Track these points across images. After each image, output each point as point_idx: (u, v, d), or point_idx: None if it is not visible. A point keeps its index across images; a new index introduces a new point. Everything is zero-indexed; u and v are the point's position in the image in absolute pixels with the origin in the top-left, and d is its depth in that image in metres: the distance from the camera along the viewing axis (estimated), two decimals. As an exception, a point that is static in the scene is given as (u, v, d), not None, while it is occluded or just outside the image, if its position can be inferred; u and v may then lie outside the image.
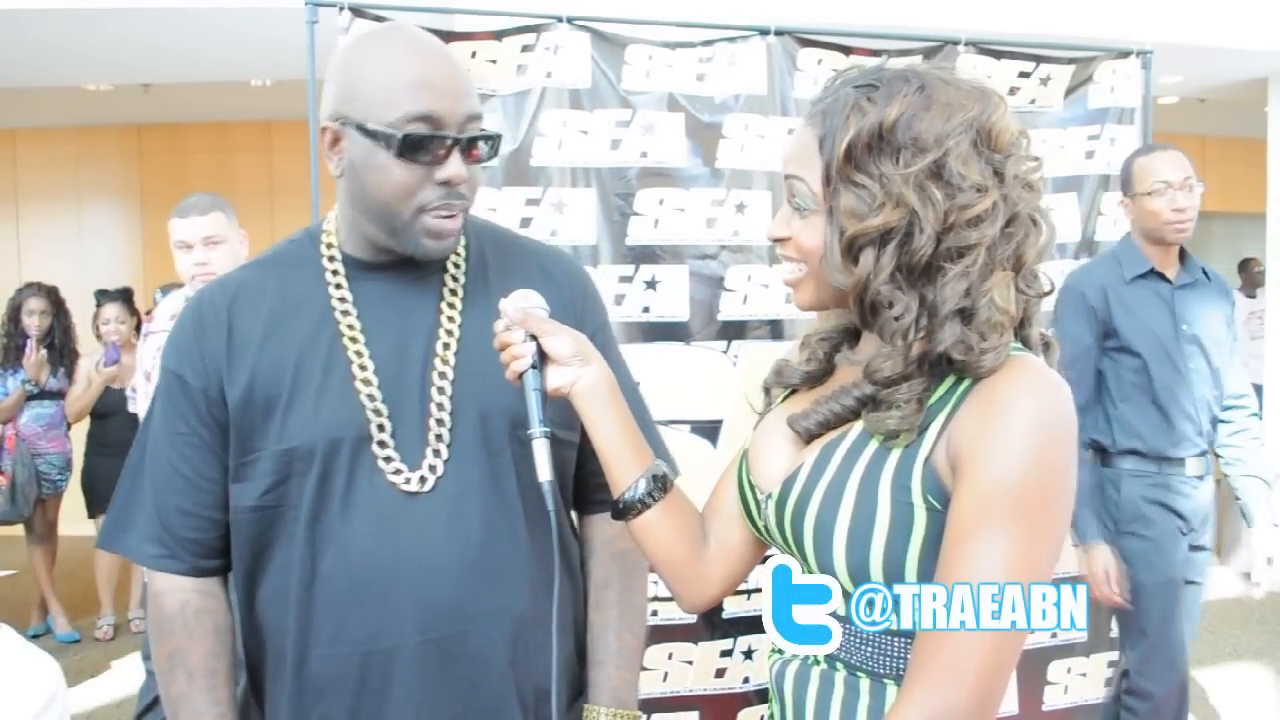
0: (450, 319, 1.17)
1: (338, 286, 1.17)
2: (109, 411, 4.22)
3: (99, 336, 4.25)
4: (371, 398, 1.13)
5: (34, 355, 4.22)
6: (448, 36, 2.54)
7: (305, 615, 1.13)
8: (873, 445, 0.90)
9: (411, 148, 1.07)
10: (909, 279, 0.89)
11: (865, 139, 0.88)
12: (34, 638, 4.31)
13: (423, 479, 1.12)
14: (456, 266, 1.21)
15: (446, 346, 1.16)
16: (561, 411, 1.09)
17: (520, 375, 1.05)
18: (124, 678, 3.83)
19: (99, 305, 4.28)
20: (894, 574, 0.88)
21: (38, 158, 6.33)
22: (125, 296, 4.31)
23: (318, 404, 1.12)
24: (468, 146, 1.11)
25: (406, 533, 1.12)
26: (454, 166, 1.09)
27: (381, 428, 1.12)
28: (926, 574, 0.87)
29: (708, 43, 2.68)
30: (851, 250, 0.89)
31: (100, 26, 3.85)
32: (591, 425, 1.06)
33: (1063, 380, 0.88)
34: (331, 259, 1.19)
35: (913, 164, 0.87)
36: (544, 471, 1.04)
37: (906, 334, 0.88)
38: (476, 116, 1.12)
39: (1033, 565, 0.83)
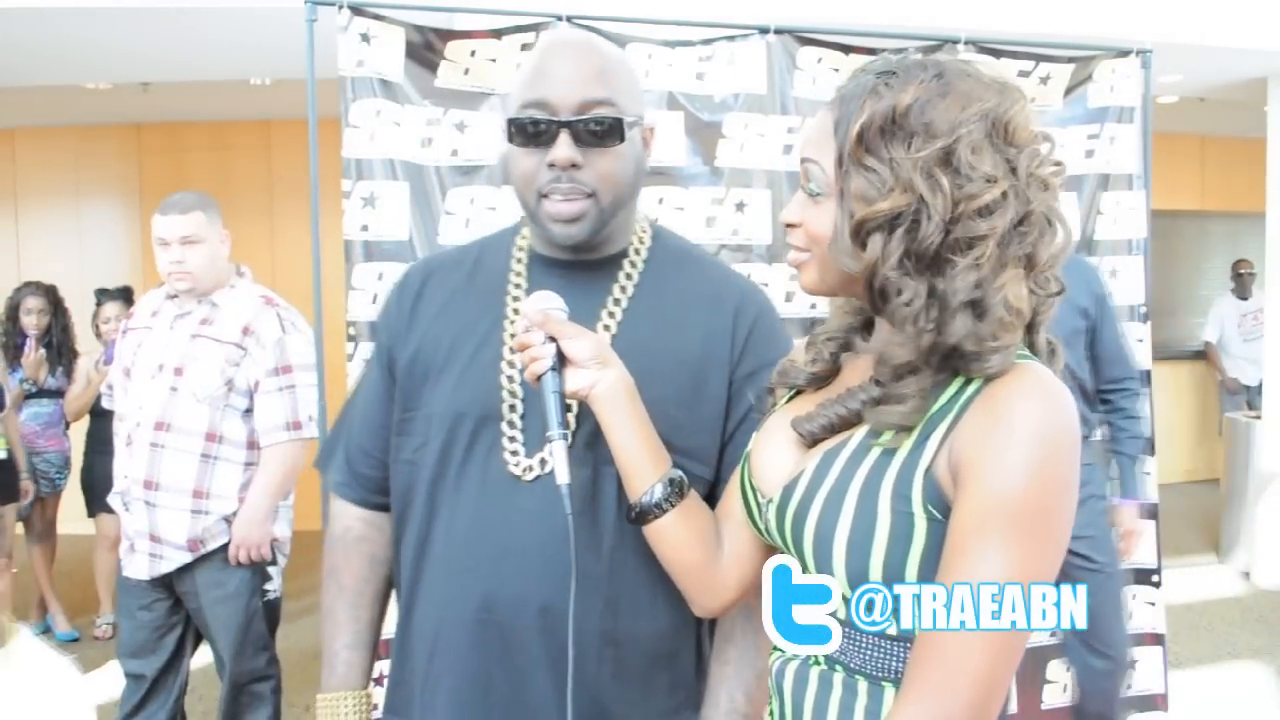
0: (607, 326, 1.19)
1: (517, 274, 1.23)
2: (108, 410, 4.21)
3: (98, 335, 4.24)
4: (511, 379, 1.17)
5: (32, 354, 4.22)
6: (447, 35, 2.54)
7: (416, 574, 1.22)
8: (874, 453, 0.89)
9: (519, 133, 1.13)
10: (918, 267, 0.88)
11: (878, 123, 0.88)
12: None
13: (529, 468, 1.15)
14: (628, 278, 1.22)
15: None
16: (703, 448, 1.14)
17: (539, 377, 1.06)
18: (124, 677, 3.82)
19: (99, 304, 4.27)
20: (893, 583, 0.87)
21: (37, 156, 6.32)
22: (125, 295, 4.29)
23: (461, 378, 1.19)
24: (587, 132, 1.12)
25: (499, 517, 1.15)
26: (559, 149, 1.12)
27: (513, 408, 1.17)
28: (926, 581, 0.86)
29: (707, 41, 2.69)
30: (860, 234, 0.89)
31: (99, 25, 3.84)
32: (608, 429, 1.06)
33: (1066, 389, 0.87)
34: (521, 249, 1.26)
35: (923, 149, 0.86)
36: (562, 474, 1.05)
37: (916, 319, 0.87)
38: (597, 102, 1.12)
39: (1033, 577, 0.82)
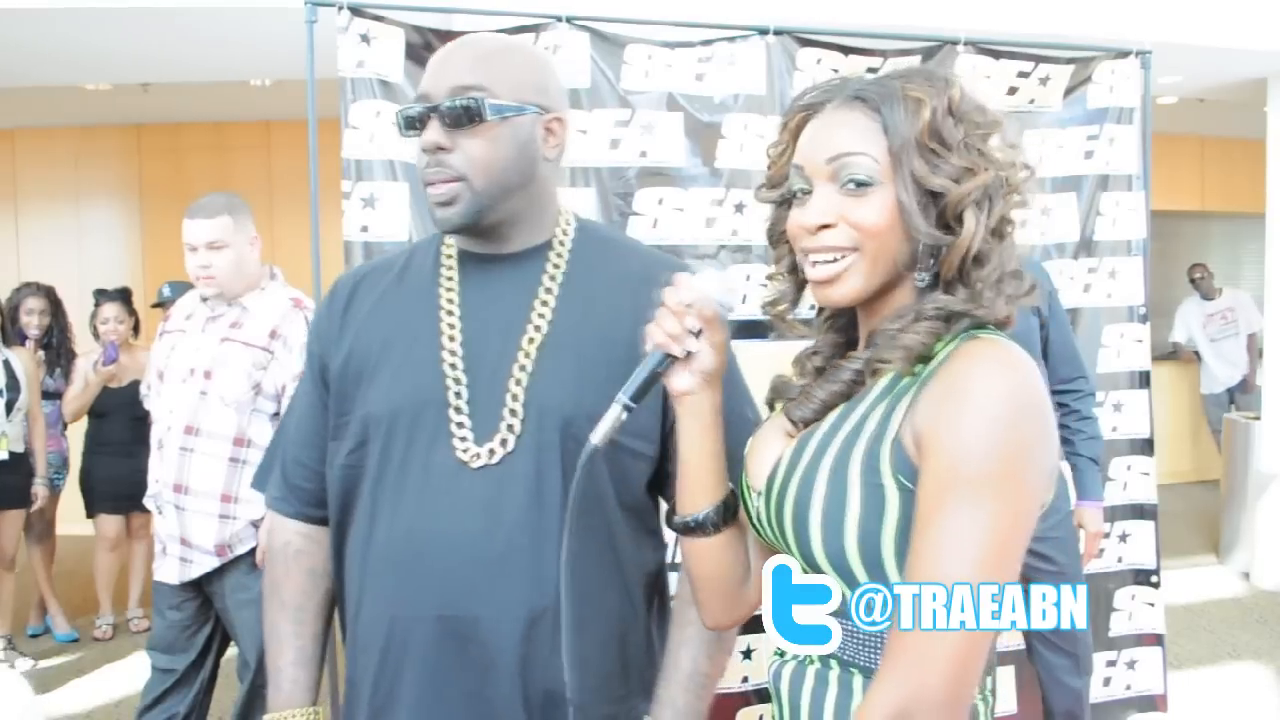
0: (540, 315, 1.20)
1: (448, 269, 1.25)
2: (107, 411, 4.20)
3: (97, 336, 4.24)
4: (454, 366, 1.18)
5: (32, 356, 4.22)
6: (446, 36, 2.54)
7: (361, 575, 1.20)
8: (844, 431, 0.92)
9: (403, 125, 1.19)
10: (993, 235, 0.93)
11: (944, 109, 0.92)
12: (33, 637, 4.31)
13: (477, 455, 1.15)
14: (556, 267, 1.24)
15: (531, 341, 1.19)
16: (646, 426, 1.15)
17: (655, 348, 0.99)
18: (123, 677, 3.83)
19: (97, 305, 4.26)
20: (871, 556, 0.88)
21: (37, 157, 6.32)
22: (123, 296, 4.29)
23: (397, 374, 1.20)
24: (451, 116, 1.15)
25: (445, 510, 1.15)
26: (425, 134, 1.16)
27: (459, 394, 1.17)
28: (903, 554, 0.87)
29: (707, 42, 2.69)
30: (955, 211, 0.92)
31: (100, 26, 3.84)
32: (685, 439, 1.03)
33: (1027, 357, 0.88)
34: (450, 245, 1.28)
35: (989, 131, 0.94)
36: (598, 435, 1.00)
37: (999, 286, 0.92)
38: (465, 88, 1.16)
39: (1000, 544, 0.82)
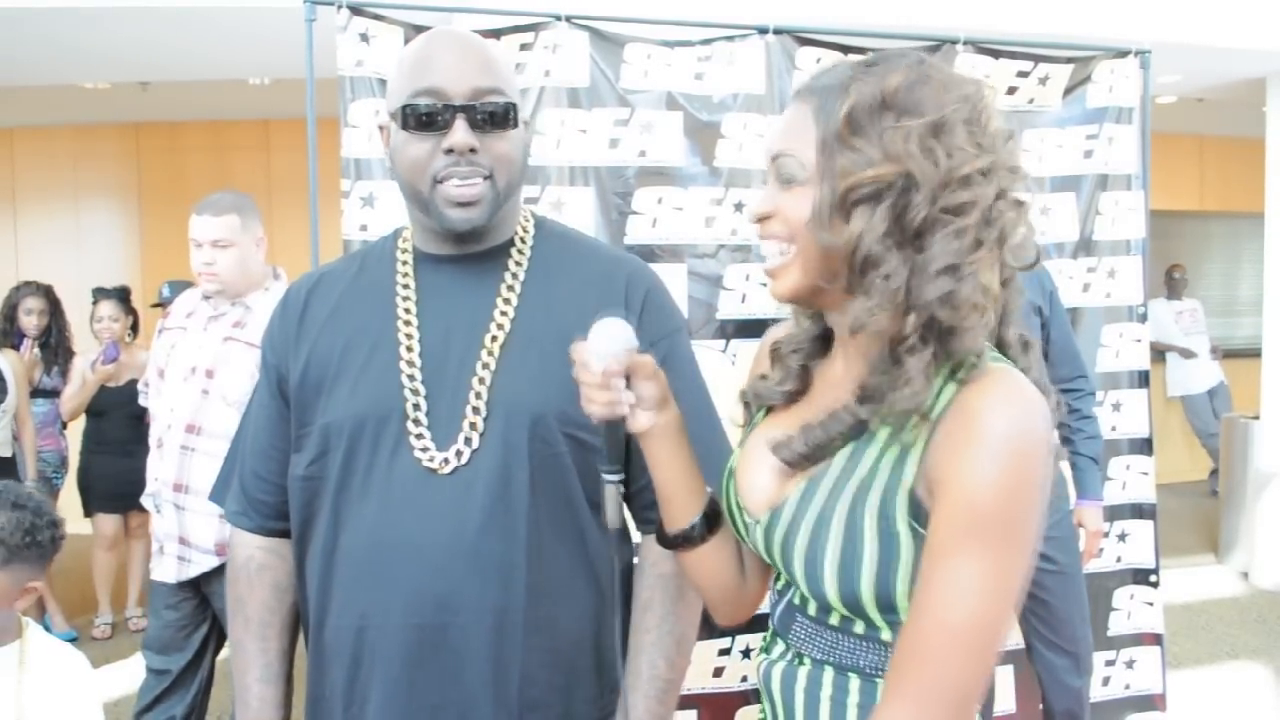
0: (503, 313, 1.20)
1: (404, 274, 1.23)
2: (106, 410, 4.20)
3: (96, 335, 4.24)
4: (412, 378, 1.17)
5: (28, 354, 4.21)
6: (446, 35, 2.54)
7: (325, 585, 1.19)
8: (857, 477, 0.90)
9: (415, 120, 1.14)
10: (900, 240, 0.88)
11: (867, 103, 0.89)
12: (31, 637, 4.30)
13: (446, 460, 1.14)
14: (518, 264, 1.23)
15: (494, 339, 1.18)
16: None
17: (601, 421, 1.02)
18: (121, 677, 3.82)
19: (95, 303, 4.26)
20: (884, 599, 0.89)
21: (35, 156, 6.31)
22: (121, 295, 4.29)
23: (357, 383, 1.18)
24: (481, 118, 1.14)
25: (411, 516, 1.14)
26: (456, 134, 1.13)
27: (418, 406, 1.16)
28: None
29: (706, 41, 2.68)
30: (845, 206, 0.88)
31: (98, 25, 3.84)
32: (654, 464, 1.04)
33: (1038, 393, 0.87)
34: (404, 251, 1.26)
35: (912, 123, 0.87)
36: (611, 520, 1.04)
37: (896, 295, 0.87)
38: (489, 90, 1.15)
39: (1004, 584, 0.83)
